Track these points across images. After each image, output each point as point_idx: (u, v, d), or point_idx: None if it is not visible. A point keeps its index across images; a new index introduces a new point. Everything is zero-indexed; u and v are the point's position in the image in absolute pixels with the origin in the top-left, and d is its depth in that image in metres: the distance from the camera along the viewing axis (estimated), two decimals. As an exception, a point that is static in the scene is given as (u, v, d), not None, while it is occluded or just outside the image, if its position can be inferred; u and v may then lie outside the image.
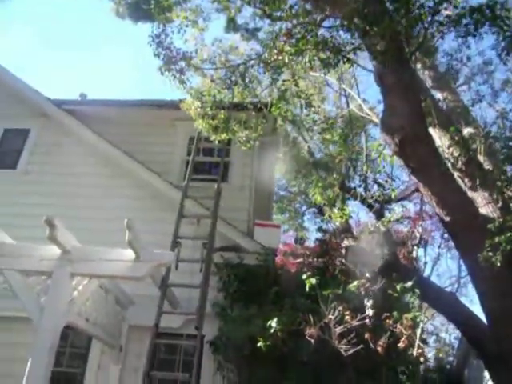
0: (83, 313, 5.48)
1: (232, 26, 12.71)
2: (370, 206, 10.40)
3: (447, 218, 6.90)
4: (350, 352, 4.79)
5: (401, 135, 6.69)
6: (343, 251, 8.29)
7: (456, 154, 7.94)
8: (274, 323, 5.30)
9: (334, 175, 7.35)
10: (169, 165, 8.74)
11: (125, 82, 29.30)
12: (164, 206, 7.85)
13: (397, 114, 6.72)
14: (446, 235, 18.91)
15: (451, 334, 20.02)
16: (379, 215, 9.96)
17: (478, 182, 7.67)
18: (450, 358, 19.97)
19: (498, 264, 5.76)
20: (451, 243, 18.97)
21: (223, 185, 7.84)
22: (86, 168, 8.43)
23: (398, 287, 5.75)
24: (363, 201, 9.63)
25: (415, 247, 14.58)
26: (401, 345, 5.06)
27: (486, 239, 6.11)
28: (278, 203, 15.96)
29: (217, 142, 7.19)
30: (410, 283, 5.86)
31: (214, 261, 6.98)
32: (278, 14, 7.73)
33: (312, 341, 4.93)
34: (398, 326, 5.11)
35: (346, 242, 9.75)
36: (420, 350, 5.51)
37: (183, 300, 6.82)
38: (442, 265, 32.62)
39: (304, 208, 16.41)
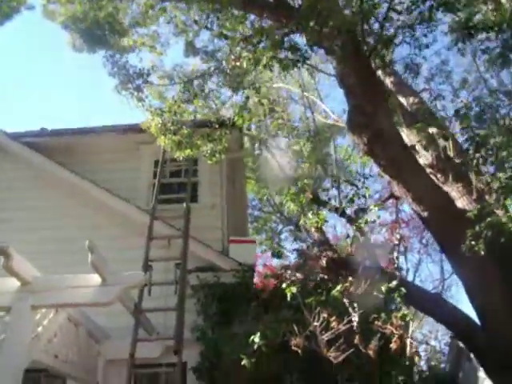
0: (50, 349, 5.05)
1: (191, 49, 12.60)
2: (344, 214, 10.26)
3: (425, 214, 6.77)
4: (340, 358, 4.49)
5: (368, 133, 6.59)
6: (323, 262, 8.07)
7: (426, 150, 7.88)
8: (256, 338, 4.98)
9: (305, 180, 7.13)
10: (135, 190, 8.41)
11: (84, 113, 28.92)
12: (133, 232, 7.50)
13: (362, 113, 6.62)
14: (424, 241, 18.93)
15: (441, 340, 19.82)
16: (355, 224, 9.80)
17: (450, 177, 7.60)
18: (442, 365, 19.76)
19: (482, 252, 5.62)
20: (430, 248, 18.97)
21: (193, 205, 7.59)
22: (49, 201, 8.05)
23: (383, 288, 5.54)
24: (336, 210, 9.46)
25: (395, 254, 14.42)
26: (393, 345, 4.80)
27: (465, 230, 5.99)
28: (254, 224, 15.71)
29: (181, 158, 6.93)
30: (394, 283, 5.67)
31: (189, 283, 6.66)
32: (236, 34, 7.64)
33: (299, 351, 4.62)
34: (388, 326, 4.85)
35: (324, 254, 9.53)
36: (414, 349, 5.26)
37: (159, 327, 6.46)
38: (424, 270, 32.62)
39: (280, 226, 16.22)
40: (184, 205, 7.14)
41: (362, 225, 6.65)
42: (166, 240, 6.87)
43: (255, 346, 4.93)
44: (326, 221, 7.03)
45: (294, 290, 5.20)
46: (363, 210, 9.68)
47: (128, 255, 6.87)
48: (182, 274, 5.99)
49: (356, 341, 4.78)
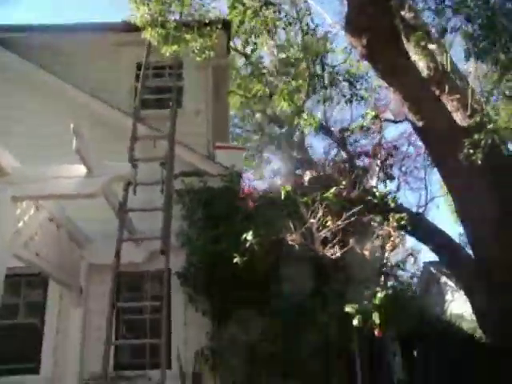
0: (32, 247, 4.81)
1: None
2: (330, 133, 10.05)
3: (420, 124, 6.60)
4: (337, 254, 4.39)
5: (369, 35, 6.22)
6: (305, 179, 7.91)
7: (424, 62, 7.60)
8: (249, 236, 4.80)
9: (300, 81, 6.74)
10: (116, 93, 7.91)
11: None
12: (116, 136, 7.05)
13: (364, 13, 6.22)
14: (403, 168, 18.97)
15: (407, 271, 20.39)
16: (341, 143, 9.62)
17: (447, 89, 7.37)
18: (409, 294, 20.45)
19: (479, 162, 5.51)
20: (409, 176, 19.09)
21: (177, 110, 7.18)
22: (31, 104, 7.49)
23: (377, 193, 5.41)
24: (321, 126, 9.17)
25: (376, 178, 14.40)
26: (389, 246, 4.72)
27: (460, 141, 5.85)
28: (234, 143, 15.33)
29: (167, 54, 6.43)
30: (388, 188, 5.55)
31: (174, 187, 6.40)
32: None
33: (296, 246, 4.49)
34: (385, 227, 4.74)
35: (307, 172, 9.38)
36: (410, 251, 5.23)
37: (145, 232, 6.24)
38: (402, 198, 33.06)
39: (262, 146, 15.90)
40: (168, 110, 6.74)
41: (356, 129, 6.39)
42: (151, 141, 6.51)
43: (247, 244, 4.76)
44: (321, 125, 6.74)
45: (288, 188, 4.99)
46: (348, 130, 9.47)
47: (111, 159, 6.50)
48: (168, 174, 5.69)
49: (351, 241, 4.68)
